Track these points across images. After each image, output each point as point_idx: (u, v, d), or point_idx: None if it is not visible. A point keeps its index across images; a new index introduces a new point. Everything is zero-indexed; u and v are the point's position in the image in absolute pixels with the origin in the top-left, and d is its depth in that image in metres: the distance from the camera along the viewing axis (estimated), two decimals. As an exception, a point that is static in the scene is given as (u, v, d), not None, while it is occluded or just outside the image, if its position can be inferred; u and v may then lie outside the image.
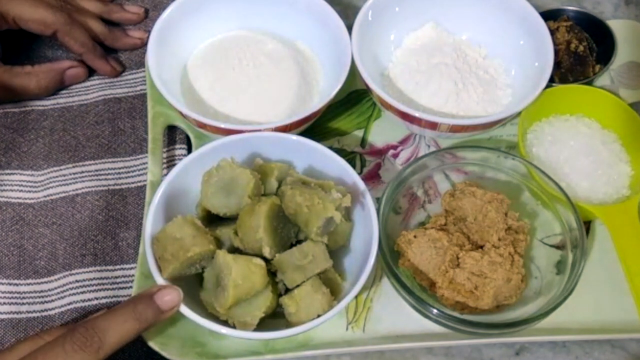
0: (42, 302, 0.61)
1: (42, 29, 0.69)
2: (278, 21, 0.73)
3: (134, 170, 0.68)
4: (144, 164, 0.68)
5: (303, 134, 0.66)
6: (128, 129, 0.70)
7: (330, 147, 0.63)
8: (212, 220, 0.60)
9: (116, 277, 0.62)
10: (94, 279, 0.62)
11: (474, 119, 0.68)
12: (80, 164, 0.68)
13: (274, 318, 0.58)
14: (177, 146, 0.70)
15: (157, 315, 0.53)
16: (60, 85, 0.71)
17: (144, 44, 0.75)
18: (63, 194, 0.66)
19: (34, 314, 0.60)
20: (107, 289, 0.62)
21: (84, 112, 0.71)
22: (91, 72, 0.73)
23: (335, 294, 0.57)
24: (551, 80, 0.69)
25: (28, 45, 0.74)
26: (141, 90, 0.72)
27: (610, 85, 0.75)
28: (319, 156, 0.63)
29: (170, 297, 0.54)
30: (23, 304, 0.61)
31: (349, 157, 0.70)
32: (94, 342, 0.49)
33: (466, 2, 0.74)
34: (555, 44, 0.70)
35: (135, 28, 0.77)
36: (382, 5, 0.72)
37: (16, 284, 0.62)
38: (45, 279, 0.62)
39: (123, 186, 0.67)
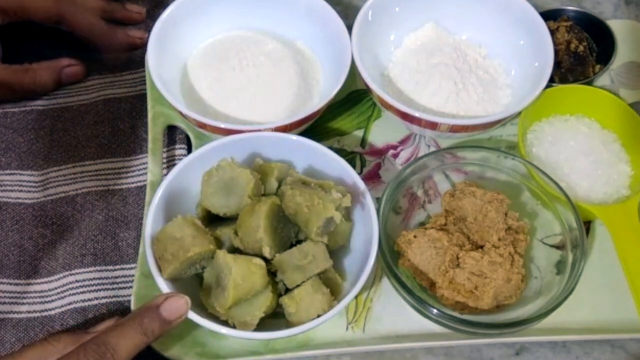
0: (42, 302, 0.61)
1: (46, 19, 0.69)
2: (278, 21, 0.73)
3: (134, 170, 0.68)
4: (144, 164, 0.68)
5: (303, 134, 0.66)
6: (128, 129, 0.70)
7: (330, 147, 0.63)
8: (212, 220, 0.60)
9: (116, 277, 0.62)
10: (94, 279, 0.62)
11: (474, 119, 0.68)
12: (80, 164, 0.68)
13: (274, 318, 0.58)
14: (177, 146, 0.70)
15: (163, 326, 0.53)
16: (58, 83, 0.71)
17: (144, 44, 0.75)
18: (63, 194, 0.66)
19: (34, 314, 0.60)
20: (107, 289, 0.62)
21: (84, 112, 0.71)
22: (90, 72, 0.73)
23: (335, 294, 0.57)
24: (551, 80, 0.69)
25: (28, 45, 0.74)
26: (141, 90, 0.72)
27: (610, 85, 0.75)
28: (319, 156, 0.63)
29: (177, 306, 0.53)
30: (23, 304, 0.61)
31: (349, 157, 0.70)
32: (106, 359, 0.50)
33: (466, 2, 0.74)
34: (555, 44, 0.70)
35: (136, 28, 0.77)
36: (382, 5, 0.72)
37: (16, 284, 0.62)
38: (45, 279, 0.62)
39: (123, 186, 0.67)
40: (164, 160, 0.68)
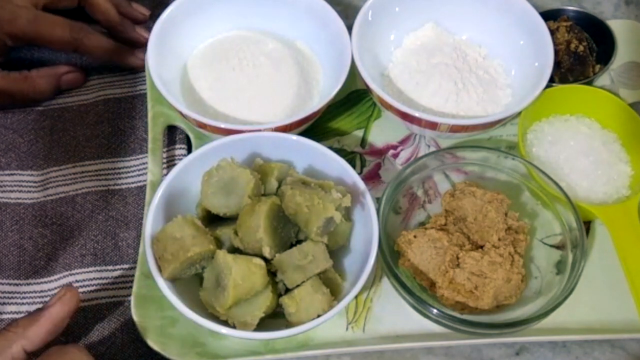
0: (42, 302, 0.61)
1: (62, 47, 0.70)
2: (278, 21, 0.73)
3: (134, 170, 0.68)
4: (144, 164, 0.68)
5: (303, 134, 0.66)
6: (128, 129, 0.70)
7: (330, 147, 0.63)
8: (212, 220, 0.60)
9: (116, 277, 0.62)
10: (94, 279, 0.62)
11: (474, 119, 0.68)
12: (80, 164, 0.68)
13: (274, 318, 0.58)
14: (177, 146, 0.70)
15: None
16: (57, 90, 0.71)
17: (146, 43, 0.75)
18: (63, 194, 0.66)
19: (34, 314, 0.60)
20: (107, 289, 0.62)
21: (84, 112, 0.71)
22: (90, 72, 0.73)
23: (335, 294, 0.57)
24: (551, 80, 0.69)
25: (28, 46, 0.74)
26: (141, 90, 0.72)
27: (610, 85, 0.75)
28: (319, 156, 0.63)
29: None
30: (23, 304, 0.61)
31: (349, 157, 0.70)
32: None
33: (466, 2, 0.74)
34: (555, 44, 0.70)
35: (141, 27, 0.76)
36: (382, 5, 0.72)
37: (16, 284, 0.62)
38: (45, 279, 0.62)
39: (123, 186, 0.67)
40: (164, 160, 0.68)
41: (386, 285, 0.63)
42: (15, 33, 0.67)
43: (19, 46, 0.70)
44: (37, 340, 0.52)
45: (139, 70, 0.73)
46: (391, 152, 0.71)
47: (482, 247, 0.62)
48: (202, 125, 0.64)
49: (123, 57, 0.72)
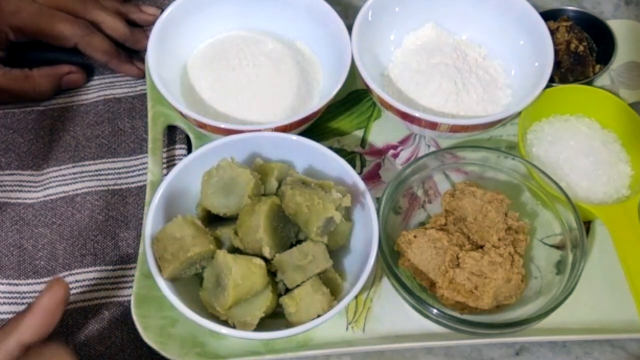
0: (42, 302, 0.61)
1: (62, 43, 0.69)
2: (278, 21, 0.73)
3: (134, 170, 0.68)
4: (144, 164, 0.68)
5: (303, 134, 0.66)
6: (128, 129, 0.70)
7: (330, 147, 0.63)
8: (212, 220, 0.60)
9: (116, 277, 0.62)
10: (94, 279, 0.62)
11: (474, 119, 0.68)
12: (80, 164, 0.68)
13: (274, 318, 0.58)
14: (177, 146, 0.70)
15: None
16: (57, 90, 0.71)
17: None
18: (63, 194, 0.66)
19: (34, 314, 0.60)
20: (107, 289, 0.62)
21: (84, 112, 0.71)
22: (91, 72, 0.73)
23: (335, 294, 0.57)
24: (551, 80, 0.69)
25: (30, 44, 0.74)
26: (141, 90, 0.72)
27: (610, 85, 0.75)
28: (319, 156, 0.63)
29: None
30: (23, 304, 0.61)
31: (349, 157, 0.70)
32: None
33: (466, 2, 0.74)
34: (555, 44, 0.70)
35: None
36: (382, 5, 0.72)
37: (16, 284, 0.62)
38: (45, 279, 0.62)
39: (123, 186, 0.67)
40: (164, 160, 0.68)
41: (386, 285, 0.63)
42: (18, 26, 0.67)
43: (20, 41, 0.70)
44: (31, 331, 0.51)
45: (135, 77, 0.73)
46: (391, 152, 0.71)
47: (482, 247, 0.62)
48: (202, 125, 0.64)
49: (121, 64, 0.72)
